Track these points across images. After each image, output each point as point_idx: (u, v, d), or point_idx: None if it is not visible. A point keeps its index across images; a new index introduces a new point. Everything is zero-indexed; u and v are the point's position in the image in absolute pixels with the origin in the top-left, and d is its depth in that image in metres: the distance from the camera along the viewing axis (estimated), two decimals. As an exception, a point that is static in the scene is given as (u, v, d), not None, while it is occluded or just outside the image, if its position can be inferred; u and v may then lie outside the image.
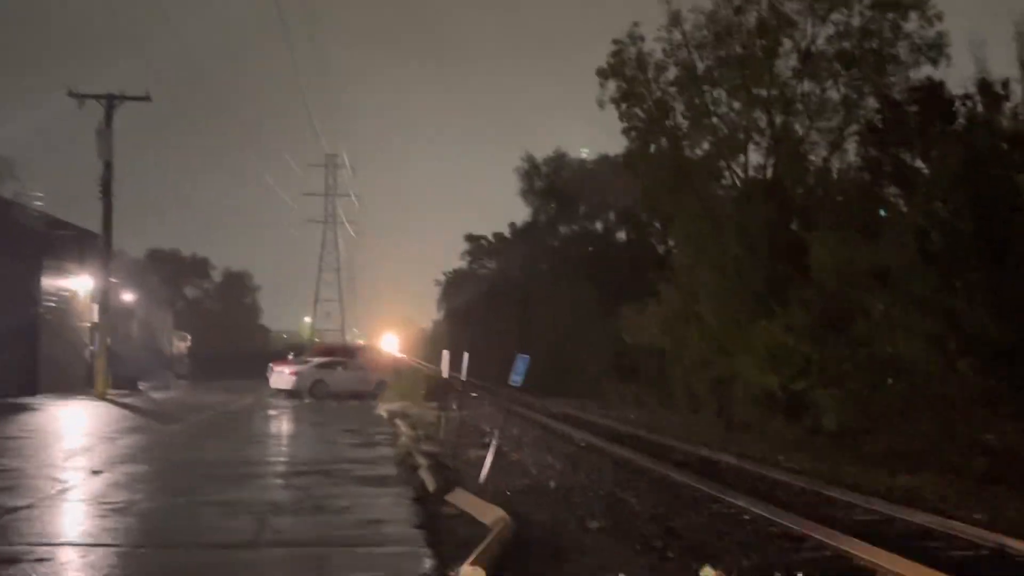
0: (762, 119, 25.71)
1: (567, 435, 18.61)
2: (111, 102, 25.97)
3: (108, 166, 25.94)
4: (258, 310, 76.60)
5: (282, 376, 28.99)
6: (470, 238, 57.01)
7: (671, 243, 34.93)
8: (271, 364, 33.28)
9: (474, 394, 30.34)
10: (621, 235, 42.95)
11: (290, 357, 36.63)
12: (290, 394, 28.00)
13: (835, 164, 24.80)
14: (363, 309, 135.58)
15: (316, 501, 8.87)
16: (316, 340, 73.98)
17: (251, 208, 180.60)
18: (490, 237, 56.27)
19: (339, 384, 28.85)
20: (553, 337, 37.74)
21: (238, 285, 73.53)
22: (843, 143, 24.46)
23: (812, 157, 25.26)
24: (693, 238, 26.00)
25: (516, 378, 10.72)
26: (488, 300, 48.65)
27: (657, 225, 37.58)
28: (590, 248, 42.57)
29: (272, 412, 22.62)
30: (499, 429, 11.53)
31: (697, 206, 25.65)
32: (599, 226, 44.75)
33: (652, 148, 28.34)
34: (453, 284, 59.90)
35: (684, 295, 25.74)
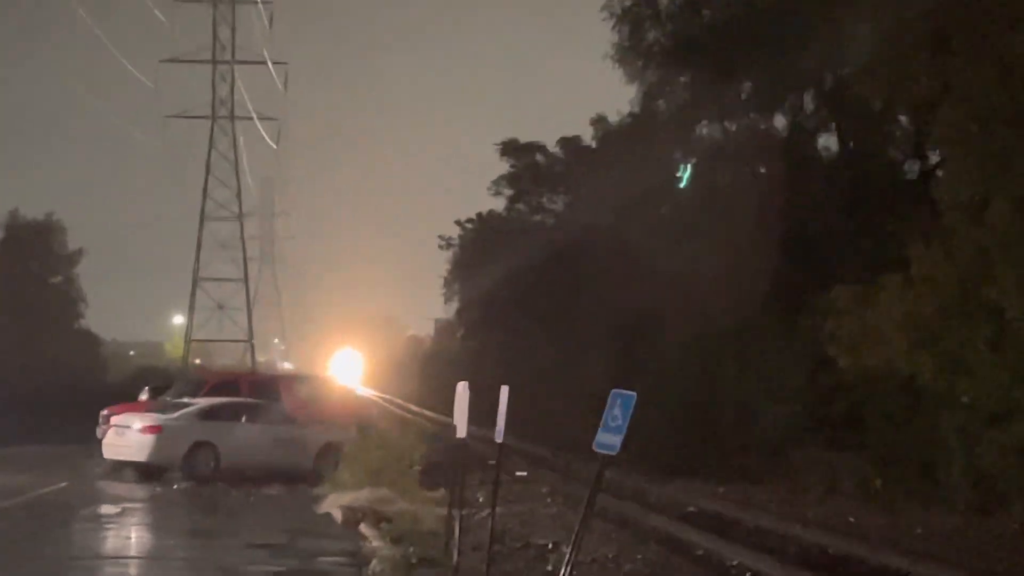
0: None
1: (719, 561, 18.56)
2: None
3: None
4: (79, 301, 77.54)
5: (128, 435, 29.18)
6: (512, 150, 56.98)
7: (933, 158, 34.56)
8: (105, 411, 33.66)
9: (521, 472, 30.40)
10: (828, 141, 42.57)
11: (143, 396, 37.03)
12: (145, 471, 28.36)
13: None
14: (295, 302, 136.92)
15: None
16: (197, 363, 75.11)
17: (58, 97, 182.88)
18: (553, 148, 56.28)
19: (244, 452, 29.16)
20: (685, 355, 37.61)
21: (37, 248, 74.32)
22: None
23: None
24: (980, 146, 25.73)
25: (610, 439, 10.61)
26: (549, 278, 48.57)
27: (903, 120, 37.18)
28: (763, 170, 42.30)
29: (108, 510, 22.93)
30: (573, 548, 11.47)
31: (990, 80, 25.35)
32: (781, 122, 44.40)
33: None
34: (476, 246, 59.90)
35: (962, 265, 25.42)
